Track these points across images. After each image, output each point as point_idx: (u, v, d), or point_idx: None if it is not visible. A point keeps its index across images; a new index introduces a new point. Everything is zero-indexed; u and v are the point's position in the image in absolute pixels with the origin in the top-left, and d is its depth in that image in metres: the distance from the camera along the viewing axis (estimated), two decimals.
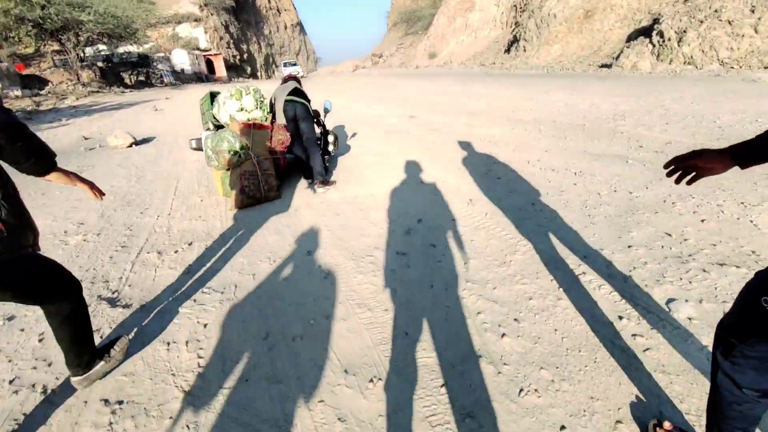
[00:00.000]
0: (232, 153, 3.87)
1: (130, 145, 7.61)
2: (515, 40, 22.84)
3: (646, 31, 17.22)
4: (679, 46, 14.82)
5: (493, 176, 4.42)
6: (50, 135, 10.13)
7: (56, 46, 24.17)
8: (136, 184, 5.24)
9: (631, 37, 18.13)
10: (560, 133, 6.22)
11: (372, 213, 3.65)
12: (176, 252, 3.21)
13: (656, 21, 16.41)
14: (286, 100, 4.28)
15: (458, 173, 4.60)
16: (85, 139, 8.87)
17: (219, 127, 4.30)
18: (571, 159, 4.84)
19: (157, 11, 33.69)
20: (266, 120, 4.18)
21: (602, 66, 16.30)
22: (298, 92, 4.38)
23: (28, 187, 5.36)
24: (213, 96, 4.33)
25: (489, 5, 31.86)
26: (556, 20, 20.31)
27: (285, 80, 4.62)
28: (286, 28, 63.05)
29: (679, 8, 16.46)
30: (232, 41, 44.87)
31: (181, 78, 32.33)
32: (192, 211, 4.10)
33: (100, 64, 26.77)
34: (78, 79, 23.11)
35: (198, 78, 34.65)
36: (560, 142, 5.68)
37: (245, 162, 3.97)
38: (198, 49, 38.44)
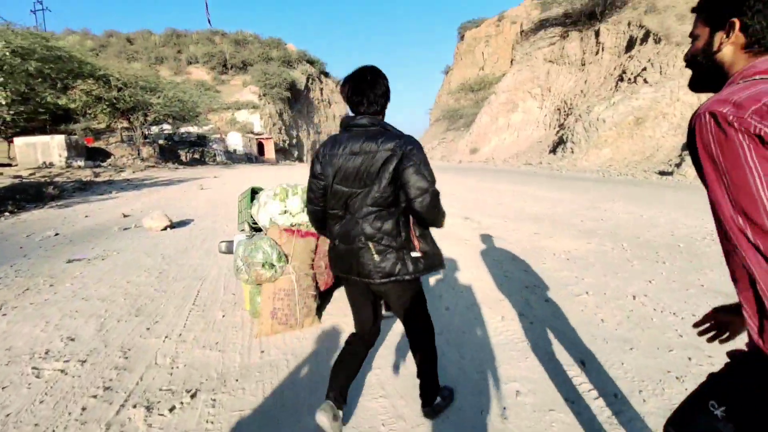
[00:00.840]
0: (267, 266, 3.10)
1: (165, 228, 7.17)
2: (561, 142, 22.74)
3: None
4: None
5: (593, 318, 3.39)
6: (95, 208, 10.08)
7: (126, 123, 26.32)
8: (155, 281, 4.55)
9: (686, 147, 17.45)
10: (652, 255, 5.19)
11: (446, 372, 2.65)
12: (172, 409, 2.30)
13: None
14: None
15: (546, 308, 3.59)
16: (124, 216, 8.63)
17: (256, 229, 3.62)
18: (691, 297, 3.76)
19: (221, 98, 37.01)
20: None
21: (661, 173, 15.49)
22: None
23: (38, 276, 4.77)
24: (254, 192, 3.71)
25: (532, 107, 32.78)
26: (605, 125, 20.16)
27: None
28: (334, 118, 67.69)
29: None
30: (284, 127, 48.14)
31: (232, 158, 34.18)
32: (209, 333, 3.25)
33: (161, 141, 28.76)
34: (138, 154, 24.64)
35: (248, 159, 36.56)
36: (659, 269, 4.63)
37: (281, 278, 3.17)
38: (252, 132, 41.23)
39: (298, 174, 20.02)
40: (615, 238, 6.09)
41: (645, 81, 21.26)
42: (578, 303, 3.68)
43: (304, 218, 3.41)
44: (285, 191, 3.38)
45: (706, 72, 0.97)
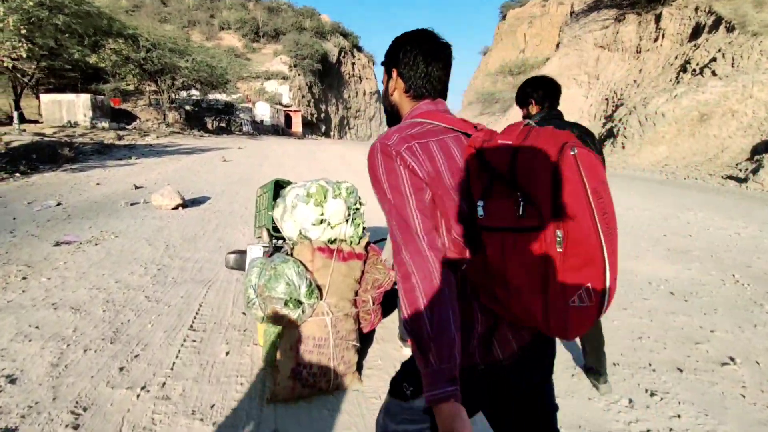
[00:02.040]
0: (291, 304, 2.08)
1: (176, 207, 6.28)
2: (611, 135, 20.85)
3: None
4: None
5: (765, 412, 2.26)
6: (110, 175, 9.32)
7: (154, 87, 25.69)
8: (150, 282, 3.62)
9: (759, 150, 15.56)
10: None
11: None
12: None
13: None
14: None
15: (680, 383, 2.48)
16: (136, 188, 7.79)
17: (278, 237, 2.59)
18: None
19: (251, 67, 36.00)
20: (358, 241, 2.40)
21: (728, 177, 13.79)
22: None
23: (14, 263, 3.91)
24: (279, 187, 2.67)
25: (576, 96, 30.59)
26: (664, 119, 18.23)
27: None
28: (364, 94, 65.93)
29: None
30: (312, 100, 46.95)
31: (259, 129, 33.37)
32: (204, 385, 2.28)
33: (187, 107, 28.08)
34: (164, 118, 24.01)
35: (275, 131, 35.70)
36: None
37: (311, 321, 2.15)
38: (280, 104, 40.24)
39: (326, 154, 19.02)
40: (719, 264, 4.85)
41: (713, 73, 19.10)
42: (727, 378, 2.55)
43: (346, 231, 2.36)
44: (323, 191, 2.32)
45: (390, 112, 1.16)
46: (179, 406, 2.12)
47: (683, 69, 21.79)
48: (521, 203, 0.81)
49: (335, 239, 2.31)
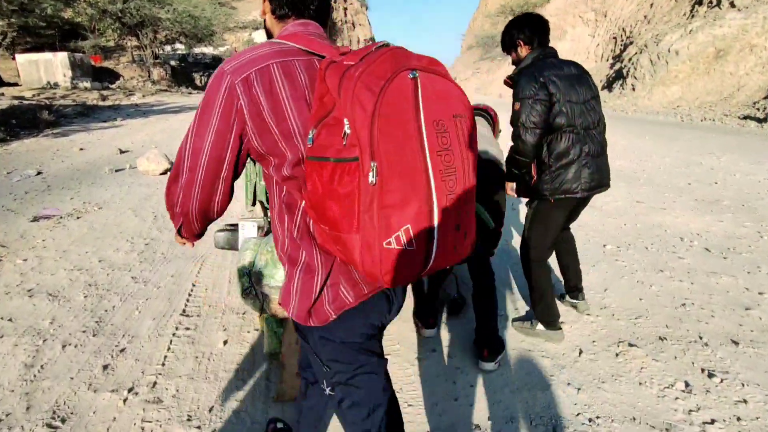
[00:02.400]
0: None
1: (164, 172, 5.85)
2: (620, 77, 19.81)
3: None
4: None
5: None
6: (94, 139, 8.80)
7: (136, 42, 24.22)
8: (137, 259, 3.29)
9: None
10: None
11: None
12: None
13: None
14: None
15: (736, 359, 2.20)
16: (121, 152, 7.31)
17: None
18: None
19: (237, 16, 33.90)
20: None
21: (745, 117, 13.16)
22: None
23: None
24: None
25: (582, 35, 28.99)
26: (678, 57, 17.20)
27: None
28: (359, 42, 62.85)
29: None
30: None
31: None
32: (199, 383, 2.00)
33: (173, 62, 26.68)
34: (149, 76, 22.84)
35: None
36: None
37: None
38: None
39: None
40: (752, 215, 4.51)
41: (732, 4, 17.82)
42: None
43: None
44: None
45: (268, 36, 1.03)
46: (173, 411, 1.84)
47: (699, 1, 20.35)
48: (346, 131, 0.72)
49: None
